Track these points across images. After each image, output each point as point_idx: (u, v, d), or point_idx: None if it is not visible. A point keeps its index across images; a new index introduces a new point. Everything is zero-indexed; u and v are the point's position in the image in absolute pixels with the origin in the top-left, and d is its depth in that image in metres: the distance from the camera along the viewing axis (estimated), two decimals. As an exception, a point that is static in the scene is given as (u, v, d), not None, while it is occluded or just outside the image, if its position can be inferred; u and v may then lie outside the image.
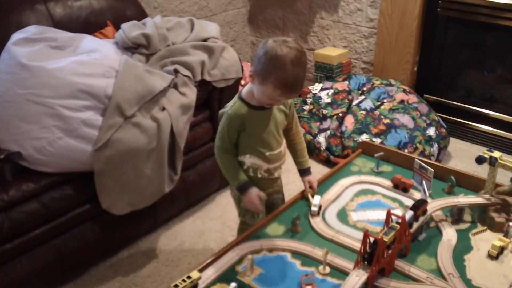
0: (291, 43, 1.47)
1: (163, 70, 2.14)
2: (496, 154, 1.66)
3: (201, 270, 1.47)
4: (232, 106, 1.60)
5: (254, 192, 1.62)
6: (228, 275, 1.48)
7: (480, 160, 1.67)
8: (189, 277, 1.39)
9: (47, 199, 1.84)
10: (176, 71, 2.14)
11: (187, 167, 2.27)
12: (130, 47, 2.23)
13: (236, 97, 1.63)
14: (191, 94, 2.12)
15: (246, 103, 1.59)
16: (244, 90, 1.61)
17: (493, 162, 1.64)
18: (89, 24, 2.43)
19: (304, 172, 1.83)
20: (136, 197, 1.98)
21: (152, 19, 2.34)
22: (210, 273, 1.47)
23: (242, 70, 2.41)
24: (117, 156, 1.88)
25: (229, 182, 1.71)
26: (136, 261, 2.13)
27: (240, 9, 3.85)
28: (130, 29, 2.23)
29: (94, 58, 1.99)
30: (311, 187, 1.82)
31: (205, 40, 2.32)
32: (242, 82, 3.09)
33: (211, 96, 2.33)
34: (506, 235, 1.58)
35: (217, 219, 2.38)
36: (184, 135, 2.09)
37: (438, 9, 3.07)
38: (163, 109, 2.03)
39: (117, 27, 2.35)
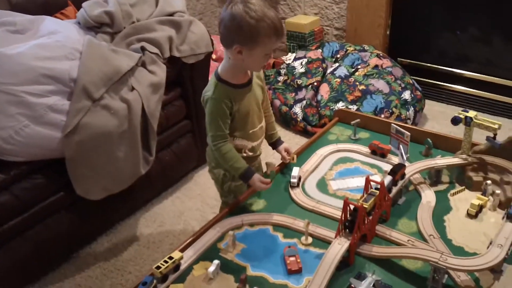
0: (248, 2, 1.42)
1: (130, 49, 2.08)
2: (471, 113, 1.65)
3: (182, 250, 1.45)
4: (214, 89, 1.52)
5: (256, 178, 1.58)
6: (210, 253, 1.46)
7: (455, 120, 1.66)
8: (171, 258, 1.37)
9: (19, 190, 1.79)
10: (143, 49, 2.07)
11: (162, 147, 2.23)
12: (93, 27, 2.15)
13: (213, 79, 1.54)
14: (160, 72, 2.06)
15: (227, 83, 1.53)
16: (220, 71, 1.54)
17: (468, 122, 1.64)
18: (49, 5, 2.33)
19: (277, 143, 1.80)
20: (111, 181, 1.94)
21: (114, -4, 2.26)
22: (192, 253, 1.45)
23: (212, 43, 2.35)
24: (88, 141, 1.82)
25: (225, 176, 1.66)
26: (117, 246, 2.10)
27: (207, -19, 3.75)
28: (92, 8, 2.15)
29: (56, 41, 1.91)
30: (288, 154, 1.80)
31: (171, 14, 2.25)
32: (213, 56, 3.03)
33: (181, 73, 2.27)
34: (484, 193, 1.59)
35: (196, 197, 2.36)
36: (157, 115, 2.04)
37: (408, -30, 3.04)
38: (133, 89, 1.97)
39: (78, 7, 2.26)
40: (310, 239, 1.48)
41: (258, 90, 1.62)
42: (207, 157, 1.74)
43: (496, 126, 1.61)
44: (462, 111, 1.68)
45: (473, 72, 3.08)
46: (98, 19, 2.13)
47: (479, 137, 1.79)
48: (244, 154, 1.64)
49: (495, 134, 1.63)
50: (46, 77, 1.79)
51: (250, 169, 1.58)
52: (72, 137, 1.80)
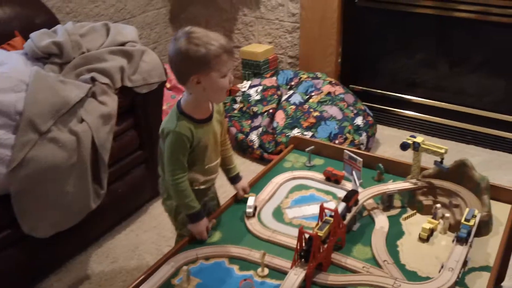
0: (185, 31, 1.45)
1: (79, 79, 2.03)
2: (419, 139, 1.69)
3: (135, 287, 1.40)
4: (176, 123, 1.50)
5: (204, 224, 1.57)
6: (164, 289, 1.42)
7: (404, 146, 1.70)
8: (122, 296, 1.32)
9: (-40, 229, 1.70)
10: (93, 79, 2.03)
11: (115, 179, 2.17)
12: (41, 57, 2.10)
13: (175, 112, 1.52)
14: (111, 103, 2.03)
15: (190, 117, 1.51)
16: (183, 104, 1.53)
17: (416, 147, 1.68)
18: (-5, 36, 2.27)
19: (236, 178, 1.78)
20: (59, 217, 1.87)
21: (63, 26, 2.22)
22: (145, 289, 1.40)
23: (166, 72, 2.33)
24: (34, 175, 1.76)
25: (179, 207, 1.63)
26: (67, 284, 2.01)
27: (160, 9, 3.75)
28: (40, 38, 2.10)
29: (1, 72, 1.86)
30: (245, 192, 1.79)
31: (122, 44, 2.23)
32: (167, 85, 3.01)
33: (134, 103, 2.23)
34: (434, 217, 1.62)
35: (151, 230, 2.30)
36: (108, 146, 2.00)
37: (356, 0, 3.13)
38: (82, 120, 1.92)
39: (26, 37, 2.20)
40: (266, 271, 1.46)
41: (217, 125, 1.62)
42: (159, 188, 1.70)
43: (442, 151, 1.65)
44: (410, 136, 1.73)
45: (421, 97, 3.18)
46: (46, 50, 2.08)
47: (429, 160, 1.83)
48: (195, 187, 1.61)
49: (442, 158, 1.68)
50: (-9, 110, 1.72)
51: (201, 212, 1.57)
52: (17, 172, 1.73)
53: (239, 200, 1.79)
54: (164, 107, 2.75)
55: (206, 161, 1.60)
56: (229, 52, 1.46)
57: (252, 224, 1.66)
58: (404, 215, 1.68)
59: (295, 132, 2.78)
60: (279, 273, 1.44)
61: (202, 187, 1.65)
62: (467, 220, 1.47)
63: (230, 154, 1.76)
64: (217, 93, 1.51)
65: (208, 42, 1.42)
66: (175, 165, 1.51)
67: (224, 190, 2.56)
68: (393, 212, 1.71)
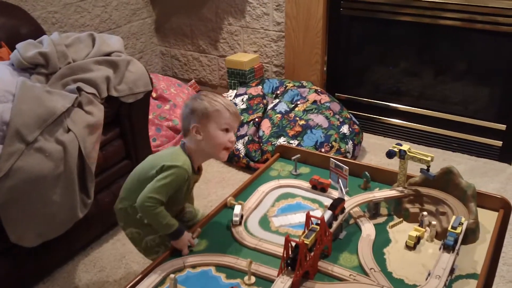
0: (199, 92, 1.72)
1: (65, 89, 2.03)
2: (405, 147, 1.71)
3: (122, 297, 1.40)
4: (183, 161, 1.58)
5: (186, 238, 1.57)
6: (151, 298, 1.41)
7: (390, 154, 1.71)
8: (109, 307, 1.31)
9: None
10: (79, 89, 2.03)
11: (101, 189, 2.17)
12: (28, 68, 2.09)
13: (182, 152, 1.62)
14: (97, 112, 2.02)
15: (191, 163, 1.62)
16: (188, 149, 1.63)
17: (402, 155, 1.69)
18: (-20, 46, 2.26)
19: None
20: (46, 227, 1.85)
21: (49, 36, 2.21)
22: (132, 299, 1.40)
23: (152, 82, 2.34)
24: (21, 186, 1.75)
25: (160, 238, 1.66)
26: (54, 295, 2.00)
27: (146, 19, 3.76)
28: (26, 49, 2.09)
29: (-14, 83, 1.84)
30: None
31: (108, 54, 2.22)
32: (154, 94, 3.02)
33: (120, 112, 2.23)
34: (421, 224, 1.63)
35: (138, 239, 2.29)
36: (94, 156, 1.99)
37: (341, 9, 3.16)
38: (69, 130, 1.91)
39: (12, 47, 2.20)
40: (253, 279, 1.46)
41: (197, 180, 1.74)
42: (117, 216, 1.74)
43: (429, 159, 1.67)
44: (396, 144, 1.74)
45: (406, 105, 3.21)
46: (32, 60, 2.07)
47: (415, 168, 1.85)
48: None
49: (429, 166, 1.70)
50: (-24, 120, 1.71)
51: (182, 227, 1.58)
52: (4, 182, 1.72)
53: (225, 205, 1.80)
54: (150, 116, 2.75)
55: (179, 205, 1.71)
56: (232, 112, 1.60)
57: (239, 232, 1.66)
58: (391, 223, 1.69)
59: (281, 140, 2.80)
60: (266, 281, 1.44)
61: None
62: (454, 227, 1.48)
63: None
64: (214, 147, 1.62)
65: (213, 99, 1.60)
66: (158, 194, 1.53)
67: (210, 199, 2.58)
68: (380, 220, 1.72)
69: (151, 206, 1.53)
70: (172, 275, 1.43)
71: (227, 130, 1.61)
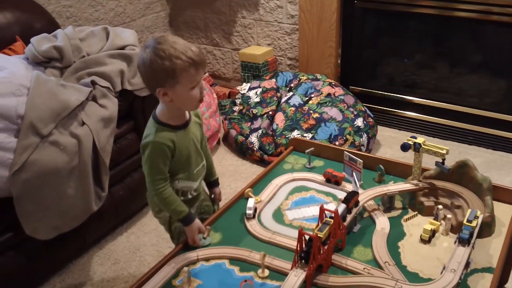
0: (153, 41, 1.41)
1: (80, 83, 2.04)
2: (420, 139, 1.69)
3: (136, 289, 1.41)
4: (155, 133, 1.47)
5: (196, 226, 1.54)
6: (165, 291, 1.42)
7: (404, 147, 1.70)
8: (123, 298, 1.32)
9: (-38, 232, 1.71)
10: (93, 83, 2.04)
11: (115, 182, 2.18)
12: (42, 62, 2.11)
13: (152, 123, 1.50)
14: (111, 106, 2.03)
15: (167, 125, 1.50)
16: (158, 114, 1.51)
17: (417, 148, 1.68)
18: (-4, 41, 2.28)
19: (214, 183, 1.78)
20: (61, 220, 1.87)
21: (63, 30, 2.23)
22: (146, 291, 1.41)
23: (165, 76, 2.34)
24: (36, 179, 1.76)
25: (169, 215, 1.62)
26: (69, 286, 2.02)
27: (159, 13, 3.76)
28: (40, 43, 2.11)
29: (2, 77, 1.86)
30: (215, 197, 1.79)
31: (122, 48, 2.23)
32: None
33: (134, 106, 2.24)
34: (436, 218, 1.62)
35: (151, 232, 2.30)
36: (108, 149, 2.00)
37: (355, 1, 3.14)
38: (83, 124, 1.93)
39: (26, 42, 2.21)
40: (266, 272, 1.46)
41: (196, 128, 1.60)
42: (149, 202, 1.68)
43: (444, 152, 1.65)
44: (410, 137, 1.72)
45: (421, 98, 3.18)
46: (46, 54, 2.09)
47: (430, 161, 1.83)
48: (190, 196, 1.62)
49: (444, 159, 1.68)
50: (-8, 114, 1.73)
51: (191, 214, 1.55)
52: (19, 175, 1.74)
53: (240, 197, 1.79)
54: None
55: (194, 166, 1.59)
56: (198, 65, 1.42)
57: (252, 225, 1.66)
58: (405, 217, 1.67)
59: (295, 134, 2.79)
60: (280, 274, 1.44)
61: (195, 193, 1.65)
62: (469, 221, 1.46)
63: (210, 159, 1.74)
64: (187, 103, 1.48)
65: (174, 55, 1.38)
66: (156, 175, 1.49)
67: (224, 192, 2.58)
68: (394, 213, 1.71)
69: (158, 189, 1.49)
70: (185, 268, 1.44)
71: (196, 86, 1.45)
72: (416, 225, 1.63)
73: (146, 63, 1.41)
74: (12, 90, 1.82)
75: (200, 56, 1.42)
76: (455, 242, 1.46)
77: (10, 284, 1.86)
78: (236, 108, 3.13)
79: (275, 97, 3.05)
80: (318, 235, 1.38)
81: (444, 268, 1.37)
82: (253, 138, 2.91)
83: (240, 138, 2.94)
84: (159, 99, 1.48)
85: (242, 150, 2.96)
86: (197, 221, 1.56)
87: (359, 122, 2.85)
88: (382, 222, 1.64)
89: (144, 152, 1.49)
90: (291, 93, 3.05)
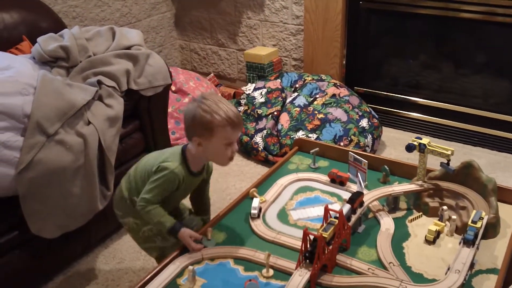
0: (201, 96, 1.57)
1: (86, 83, 2.05)
2: (425, 140, 1.69)
3: (141, 287, 1.41)
4: (177, 165, 1.58)
5: (186, 233, 1.57)
6: (170, 290, 1.43)
7: (409, 148, 1.70)
8: (128, 297, 1.33)
9: (-32, 231, 1.71)
10: (99, 82, 2.05)
11: (121, 181, 2.18)
12: (49, 61, 2.11)
13: (179, 155, 1.61)
14: (117, 105, 2.04)
15: (187, 166, 1.61)
16: (189, 152, 1.61)
17: (422, 149, 1.68)
18: (3, 40, 2.29)
19: (204, 220, 1.82)
20: (66, 218, 1.88)
21: (69, 30, 2.23)
22: (151, 290, 1.41)
23: (171, 76, 2.35)
24: (42, 177, 1.77)
25: (157, 228, 1.66)
26: (74, 285, 2.03)
27: (165, 13, 3.77)
28: (47, 42, 2.12)
29: (9, 76, 1.87)
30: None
31: (128, 48, 2.24)
32: (173, 88, 3.03)
33: (139, 106, 2.25)
34: (441, 219, 1.62)
35: (157, 231, 2.31)
36: (114, 149, 2.01)
37: (360, 2, 3.14)
38: (89, 123, 1.93)
39: (33, 41, 2.23)
40: (271, 272, 1.46)
41: (198, 181, 1.71)
42: (115, 206, 1.77)
43: (449, 152, 1.65)
44: (415, 138, 1.73)
45: (426, 99, 3.17)
46: (53, 54, 2.10)
47: (434, 162, 1.83)
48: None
49: (449, 160, 1.68)
50: (-1, 113, 1.74)
51: (178, 224, 1.59)
52: (25, 174, 1.75)
53: (245, 197, 1.81)
54: (170, 109, 2.76)
55: (174, 203, 1.73)
56: (235, 125, 1.54)
57: (257, 225, 1.67)
58: (410, 217, 1.68)
59: (300, 134, 2.79)
60: (284, 274, 1.45)
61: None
62: (474, 222, 1.46)
63: (209, 204, 1.84)
64: (217, 158, 1.61)
65: (215, 111, 1.52)
66: (157, 196, 1.58)
67: (228, 192, 2.59)
68: (399, 214, 1.71)
69: (143, 206, 1.58)
70: (190, 267, 1.45)
71: (230, 144, 1.57)
72: (421, 225, 1.63)
73: (190, 113, 1.55)
74: (19, 89, 1.83)
75: (238, 118, 1.56)
76: (459, 243, 1.46)
77: (15, 282, 1.87)
78: (241, 109, 3.13)
79: (280, 98, 3.05)
80: (323, 235, 1.38)
81: (448, 269, 1.37)
82: (258, 139, 2.91)
83: (245, 138, 2.95)
84: (193, 147, 1.59)
85: (247, 150, 2.96)
86: (185, 229, 1.58)
87: (364, 123, 2.85)
88: (387, 223, 1.64)
89: (158, 172, 1.58)
90: (296, 94, 3.05)
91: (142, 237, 1.72)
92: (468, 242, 1.43)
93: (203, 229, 1.65)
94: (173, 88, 3.03)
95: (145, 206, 1.57)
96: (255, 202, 1.72)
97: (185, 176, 1.60)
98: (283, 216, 1.74)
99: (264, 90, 3.11)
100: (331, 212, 1.47)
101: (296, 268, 1.39)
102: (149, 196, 1.57)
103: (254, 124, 3.00)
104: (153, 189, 1.57)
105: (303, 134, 2.78)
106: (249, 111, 3.07)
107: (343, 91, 3.00)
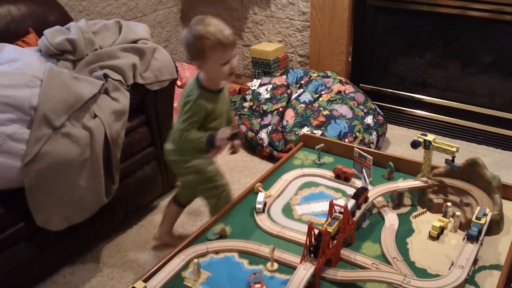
0: (193, 20, 1.68)
1: (92, 76, 2.05)
2: (430, 137, 1.69)
3: (146, 280, 1.42)
4: (198, 94, 1.74)
5: (220, 135, 1.76)
6: (175, 282, 1.44)
7: (415, 144, 1.70)
8: (133, 288, 1.34)
9: (-26, 222, 1.73)
10: (106, 76, 2.05)
11: (126, 175, 2.19)
12: (55, 54, 2.12)
13: (195, 85, 1.77)
14: (123, 99, 2.05)
15: (207, 89, 1.76)
16: (201, 78, 1.77)
17: (427, 145, 1.68)
18: (10, 33, 2.30)
19: (233, 136, 1.90)
20: (72, 211, 1.89)
21: (76, 23, 2.24)
22: (156, 282, 1.42)
23: (177, 70, 2.35)
24: (48, 170, 1.78)
25: (199, 149, 1.81)
26: (79, 277, 2.04)
27: (171, 8, 3.78)
28: (53, 35, 2.12)
29: (16, 68, 1.88)
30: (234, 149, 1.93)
31: (134, 42, 2.24)
32: (178, 83, 3.03)
33: (145, 100, 2.25)
34: (445, 215, 1.62)
35: (161, 225, 2.32)
36: (120, 142, 2.02)
37: (367, -1, 3.14)
38: (95, 116, 1.94)
39: (40, 34, 2.23)
40: (275, 265, 1.47)
41: (226, 96, 1.87)
42: (172, 160, 1.91)
43: (454, 149, 1.65)
44: (421, 134, 1.73)
45: (432, 97, 3.17)
46: (59, 47, 2.11)
47: (439, 160, 1.83)
48: (205, 158, 1.86)
49: (454, 157, 1.68)
50: (6, 105, 1.75)
51: (213, 133, 1.77)
52: (32, 166, 1.76)
53: (249, 192, 1.83)
54: (175, 104, 2.77)
55: (219, 126, 1.83)
56: (225, 47, 1.65)
57: (262, 219, 1.67)
58: (414, 213, 1.68)
59: (305, 130, 2.79)
60: (288, 268, 1.45)
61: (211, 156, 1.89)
62: (478, 218, 1.47)
63: (232, 114, 2.01)
64: (217, 76, 1.75)
65: (204, 36, 1.64)
66: (188, 125, 1.75)
67: (233, 188, 2.59)
68: (403, 210, 1.71)
69: (182, 134, 1.76)
70: (195, 260, 1.46)
71: (225, 63, 1.69)
72: (425, 222, 1.63)
73: (184, 40, 1.70)
74: (26, 81, 1.84)
75: (228, 38, 1.66)
76: (463, 239, 1.46)
77: (21, 274, 1.89)
78: (246, 104, 3.13)
79: (285, 94, 3.05)
80: (328, 229, 1.39)
81: (452, 265, 1.37)
82: (263, 134, 2.91)
83: (250, 134, 2.95)
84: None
85: (252, 146, 2.97)
86: (219, 132, 1.77)
87: (369, 119, 2.85)
88: (391, 219, 1.64)
89: (184, 107, 1.76)
90: (301, 90, 3.06)
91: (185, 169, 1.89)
92: (472, 238, 1.43)
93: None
94: (178, 83, 3.04)
95: (182, 135, 1.76)
96: (260, 197, 1.73)
97: (210, 100, 1.75)
98: (288, 211, 1.74)
99: (270, 86, 3.11)
100: (335, 207, 1.48)
101: (300, 262, 1.39)
102: (183, 126, 1.75)
103: (259, 120, 3.01)
104: (185, 121, 1.75)
105: (308, 131, 2.78)
106: (254, 107, 3.07)
107: (349, 88, 3.00)
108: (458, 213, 1.60)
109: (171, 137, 1.90)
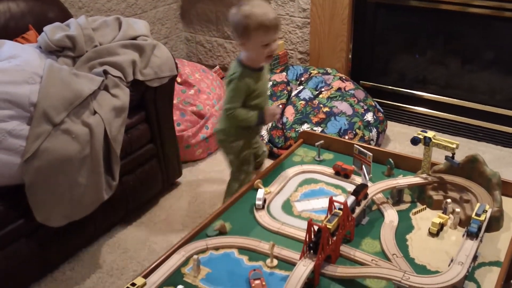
0: (242, 1, 1.80)
1: (92, 72, 2.05)
2: (430, 134, 1.70)
3: (146, 276, 1.43)
4: (240, 72, 1.84)
5: (269, 112, 1.92)
6: (175, 278, 1.44)
7: (415, 141, 1.70)
8: (133, 284, 1.35)
9: (-26, 219, 1.73)
10: (105, 73, 2.05)
11: (126, 172, 2.19)
12: (55, 51, 2.12)
13: (237, 64, 1.87)
14: (123, 96, 2.04)
15: (248, 67, 1.86)
16: (242, 58, 1.87)
17: (427, 142, 1.68)
18: (10, 30, 2.29)
19: None
20: (72, 208, 1.89)
21: (76, 20, 2.24)
22: (156, 278, 1.43)
23: (177, 67, 2.35)
24: (48, 166, 1.78)
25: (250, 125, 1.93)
26: (79, 273, 2.04)
27: (171, 5, 3.77)
28: (53, 32, 2.12)
29: (16, 65, 1.88)
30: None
31: (134, 38, 2.24)
32: (178, 79, 3.03)
33: (145, 96, 2.25)
34: (444, 212, 1.62)
35: (161, 222, 2.32)
36: (120, 139, 2.01)
37: (367, -5, 3.13)
38: (95, 113, 1.94)
39: (39, 31, 2.23)
40: (275, 262, 1.47)
41: (267, 74, 1.98)
42: (220, 138, 2.03)
43: (454, 146, 1.65)
44: (421, 131, 1.73)
45: (432, 94, 3.17)
46: (59, 43, 2.10)
47: (439, 156, 1.84)
48: (252, 131, 2.00)
49: (453, 154, 1.68)
50: (6, 101, 1.74)
51: (262, 112, 1.90)
52: (31, 163, 1.76)
53: (249, 189, 1.85)
54: (175, 101, 2.77)
55: (264, 104, 1.95)
56: (268, 28, 1.76)
57: (262, 216, 1.68)
58: (414, 210, 1.68)
59: (305, 127, 2.79)
60: (288, 264, 1.46)
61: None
62: (477, 215, 1.47)
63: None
64: (257, 57, 1.84)
65: (248, 16, 1.75)
66: (234, 102, 1.86)
67: (233, 184, 2.59)
68: (403, 206, 1.72)
69: (227, 113, 1.87)
70: (195, 256, 1.46)
71: (266, 45, 1.79)
72: (425, 218, 1.64)
73: (231, 19, 1.82)
74: (25, 78, 1.84)
75: (272, 21, 1.76)
76: (463, 236, 1.46)
77: (21, 271, 1.89)
78: (246, 101, 3.13)
79: (285, 91, 3.05)
80: (327, 226, 1.39)
81: (452, 261, 1.38)
82: (263, 131, 2.91)
83: (250, 130, 2.95)
84: (241, 48, 1.88)
85: (251, 143, 2.96)
86: (267, 111, 1.91)
87: (369, 116, 2.85)
88: (391, 215, 1.65)
89: (229, 85, 1.87)
90: (301, 87, 3.05)
91: (242, 159, 1.99)
92: (471, 235, 1.43)
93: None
94: (178, 79, 3.03)
95: (234, 112, 1.86)
96: (260, 193, 1.73)
97: (252, 75, 1.85)
98: (287, 207, 1.75)
99: (270, 83, 3.11)
100: (335, 203, 1.48)
101: (300, 258, 1.39)
102: (231, 105, 1.86)
103: (259, 116, 3.00)
104: (232, 98, 1.85)
105: (308, 127, 2.78)
106: (254, 103, 3.07)
107: (349, 85, 3.00)
108: (458, 209, 1.60)
109: (219, 117, 2.03)
